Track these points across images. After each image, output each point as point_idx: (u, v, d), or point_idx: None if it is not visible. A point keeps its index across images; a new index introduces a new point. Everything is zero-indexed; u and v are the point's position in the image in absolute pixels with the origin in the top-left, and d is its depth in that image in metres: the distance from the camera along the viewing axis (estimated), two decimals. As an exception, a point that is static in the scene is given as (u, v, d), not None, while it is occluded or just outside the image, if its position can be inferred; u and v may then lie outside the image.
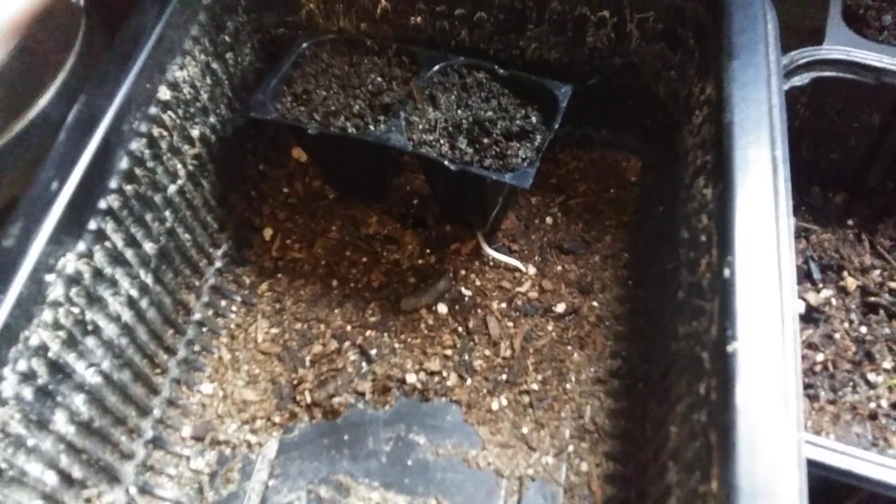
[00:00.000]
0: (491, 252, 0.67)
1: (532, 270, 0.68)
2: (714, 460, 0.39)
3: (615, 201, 0.72)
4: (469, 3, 0.64)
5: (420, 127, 0.59)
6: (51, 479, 0.49)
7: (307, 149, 0.72)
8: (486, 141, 0.57)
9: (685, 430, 0.45)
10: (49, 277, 0.48)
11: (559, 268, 0.68)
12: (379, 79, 0.62)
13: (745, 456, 0.37)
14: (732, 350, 0.40)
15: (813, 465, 0.49)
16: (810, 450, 0.48)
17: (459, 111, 0.60)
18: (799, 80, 0.60)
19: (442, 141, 0.58)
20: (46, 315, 0.48)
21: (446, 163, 0.55)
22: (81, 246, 0.51)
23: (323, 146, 0.65)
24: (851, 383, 0.60)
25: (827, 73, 0.60)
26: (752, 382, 0.39)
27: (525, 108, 0.60)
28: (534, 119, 0.59)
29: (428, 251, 0.68)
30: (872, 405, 0.59)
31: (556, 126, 0.57)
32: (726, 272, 0.43)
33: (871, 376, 0.61)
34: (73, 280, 0.50)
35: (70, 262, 0.50)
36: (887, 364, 0.61)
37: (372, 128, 0.58)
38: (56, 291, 0.49)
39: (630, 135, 0.72)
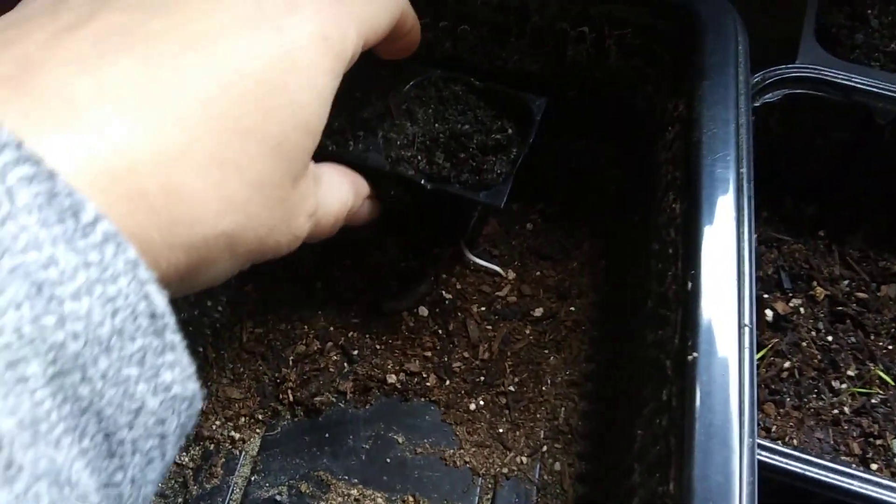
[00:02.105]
0: (471, 257, 0.69)
1: (512, 275, 0.70)
2: (672, 463, 0.41)
3: (594, 209, 0.74)
4: (453, 15, 0.66)
5: (398, 143, 0.59)
6: (40, 471, 0.51)
7: None
8: (462, 156, 0.58)
9: (649, 433, 0.47)
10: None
11: (538, 273, 0.70)
12: (357, 94, 0.61)
13: (699, 460, 0.39)
14: (692, 359, 0.43)
15: (771, 471, 0.51)
16: (768, 455, 0.50)
17: (437, 125, 0.60)
18: (771, 97, 0.62)
19: (420, 157, 0.58)
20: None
21: (423, 181, 0.57)
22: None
23: None
24: (816, 390, 0.63)
25: (798, 91, 0.62)
26: (709, 390, 0.41)
27: (501, 120, 0.61)
28: (510, 131, 0.60)
29: (410, 255, 0.70)
30: (836, 411, 0.62)
31: (531, 140, 0.59)
32: (689, 285, 0.46)
33: (836, 383, 0.63)
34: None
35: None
36: (851, 372, 0.63)
37: (351, 144, 0.59)
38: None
39: (610, 146, 0.74)
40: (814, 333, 0.65)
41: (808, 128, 0.65)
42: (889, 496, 0.49)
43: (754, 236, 0.48)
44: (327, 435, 0.61)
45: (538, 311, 0.68)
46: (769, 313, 0.65)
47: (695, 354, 0.43)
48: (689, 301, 0.45)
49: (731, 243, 0.47)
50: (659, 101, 0.64)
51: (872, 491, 0.49)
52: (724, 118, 0.52)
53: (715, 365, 0.42)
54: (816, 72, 0.62)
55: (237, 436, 0.61)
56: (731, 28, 0.57)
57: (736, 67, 0.55)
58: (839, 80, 0.62)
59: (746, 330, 0.44)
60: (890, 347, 0.64)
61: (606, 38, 0.65)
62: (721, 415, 0.41)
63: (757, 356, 0.63)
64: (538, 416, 0.62)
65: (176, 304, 0.63)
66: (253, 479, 0.59)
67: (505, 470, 0.60)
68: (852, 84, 0.61)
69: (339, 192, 0.50)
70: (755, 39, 0.57)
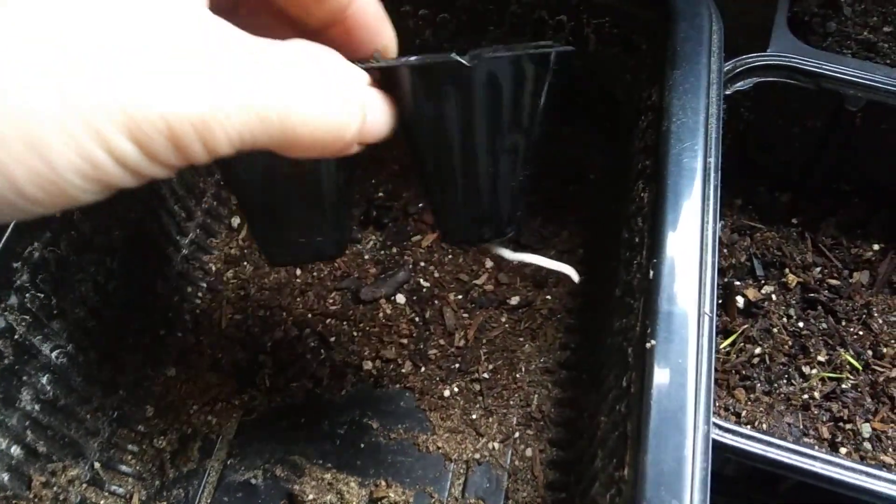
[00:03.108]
0: (516, 256, 0.53)
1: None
2: (628, 448, 0.42)
3: (574, 198, 0.74)
4: (432, 3, 0.66)
5: None
6: (17, 452, 0.52)
7: (241, 199, 0.55)
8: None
9: (610, 420, 0.48)
10: (15, 264, 0.51)
11: (516, 262, 0.71)
12: None
13: (653, 446, 0.40)
14: (650, 347, 0.43)
15: (735, 453, 0.51)
16: (731, 438, 0.51)
17: None
18: (742, 85, 0.62)
19: None
20: (13, 300, 0.51)
21: (459, 56, 0.39)
22: (48, 234, 0.53)
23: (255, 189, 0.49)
24: (786, 375, 0.63)
25: (769, 79, 0.62)
26: (665, 377, 0.42)
27: None
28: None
29: (389, 243, 0.71)
30: (805, 396, 0.62)
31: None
32: (651, 273, 0.46)
33: (806, 369, 0.63)
34: (40, 267, 0.52)
35: (36, 251, 0.52)
36: (822, 357, 0.64)
37: None
38: (22, 277, 0.51)
39: (591, 134, 0.75)
40: (785, 320, 0.66)
41: (780, 115, 0.66)
42: (849, 476, 0.50)
43: (719, 225, 0.48)
44: (303, 420, 0.62)
45: (514, 300, 0.68)
46: (740, 300, 0.66)
47: (653, 342, 0.43)
48: (650, 289, 0.46)
49: (695, 232, 0.47)
50: (636, 90, 0.64)
51: (834, 472, 0.49)
52: (693, 107, 0.53)
53: (672, 352, 0.43)
54: (786, 59, 0.62)
55: (214, 420, 0.62)
56: (706, 17, 0.57)
57: (708, 56, 0.55)
58: (809, 68, 0.62)
59: (706, 318, 0.44)
60: (860, 333, 0.65)
61: (585, 26, 0.65)
62: (676, 401, 0.41)
63: (727, 342, 0.64)
64: (511, 402, 0.63)
65: (156, 290, 0.64)
66: (229, 462, 0.60)
67: (477, 455, 0.61)
68: (822, 71, 0.62)
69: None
70: (728, 28, 0.57)
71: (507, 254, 0.52)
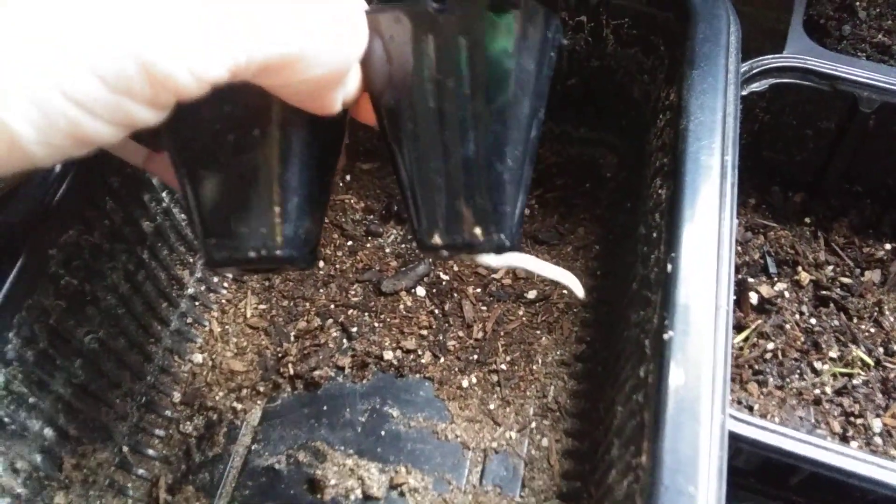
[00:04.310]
0: (505, 260, 0.42)
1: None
2: (645, 437, 0.43)
3: (590, 196, 0.76)
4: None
5: None
6: (49, 434, 0.54)
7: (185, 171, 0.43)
8: None
9: (627, 409, 0.50)
10: (52, 251, 0.52)
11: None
12: None
13: (670, 434, 0.41)
14: (668, 338, 0.45)
15: (750, 444, 0.53)
16: (745, 429, 0.52)
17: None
18: (758, 86, 0.63)
19: None
20: (48, 285, 0.52)
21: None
22: (83, 223, 0.55)
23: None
24: (798, 371, 0.65)
25: (784, 80, 0.64)
26: (682, 367, 0.43)
27: None
28: None
29: (409, 237, 0.73)
30: (817, 391, 0.64)
31: None
32: (669, 267, 0.48)
33: (818, 364, 0.65)
34: (74, 254, 0.54)
35: (72, 238, 0.54)
36: (833, 353, 0.65)
37: None
38: (57, 264, 0.53)
39: (607, 133, 0.76)
40: (797, 316, 0.67)
41: (795, 116, 0.67)
42: (863, 468, 0.51)
43: (736, 222, 0.49)
44: (325, 408, 0.64)
45: (532, 294, 0.70)
46: (754, 296, 0.67)
47: (671, 333, 0.44)
48: (668, 283, 0.47)
49: (712, 228, 0.49)
50: (654, 90, 0.66)
51: (848, 463, 0.51)
52: (711, 106, 0.54)
53: (689, 343, 0.44)
54: (802, 61, 0.63)
55: (239, 407, 0.64)
56: (724, 18, 0.58)
57: (726, 57, 0.56)
58: (824, 70, 0.63)
59: (722, 311, 0.46)
60: (872, 330, 0.66)
61: (604, 27, 0.66)
62: (693, 391, 0.43)
63: (741, 337, 0.65)
64: (528, 393, 0.65)
65: (182, 280, 0.66)
66: (253, 448, 0.62)
67: (494, 444, 0.62)
68: (837, 73, 0.63)
69: None
70: (744, 30, 0.58)
71: (493, 259, 0.42)
